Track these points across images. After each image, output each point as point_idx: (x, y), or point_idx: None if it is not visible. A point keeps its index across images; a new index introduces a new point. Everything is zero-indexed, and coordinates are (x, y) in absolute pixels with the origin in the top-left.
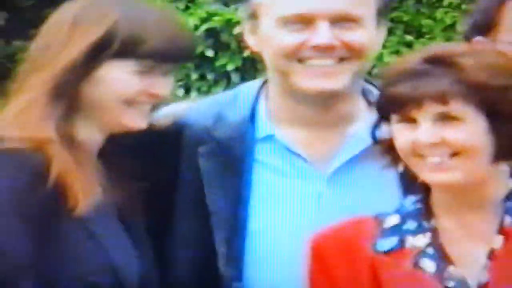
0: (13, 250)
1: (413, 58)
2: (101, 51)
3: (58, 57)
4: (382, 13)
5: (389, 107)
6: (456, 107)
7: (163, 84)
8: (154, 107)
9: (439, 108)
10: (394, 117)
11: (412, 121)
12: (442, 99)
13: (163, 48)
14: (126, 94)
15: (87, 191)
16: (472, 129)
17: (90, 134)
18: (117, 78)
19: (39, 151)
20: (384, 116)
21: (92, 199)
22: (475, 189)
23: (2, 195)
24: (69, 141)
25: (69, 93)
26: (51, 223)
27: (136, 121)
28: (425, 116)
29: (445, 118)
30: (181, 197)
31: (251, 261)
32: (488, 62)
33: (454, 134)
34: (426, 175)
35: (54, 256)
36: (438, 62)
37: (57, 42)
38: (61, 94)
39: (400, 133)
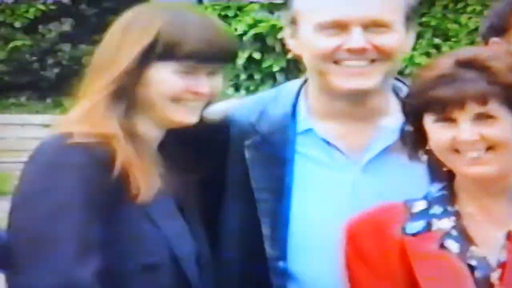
0: (79, 236)
1: (444, 62)
2: (149, 55)
3: (115, 62)
4: (410, 18)
5: (430, 108)
6: (493, 107)
7: (207, 84)
8: (207, 104)
9: (478, 109)
10: (431, 117)
11: (452, 120)
12: (482, 100)
13: (201, 50)
14: (171, 92)
15: (147, 180)
16: (506, 126)
17: (149, 129)
18: (163, 78)
19: (105, 145)
20: (417, 115)
21: (152, 188)
22: (500, 179)
23: (73, 185)
24: (131, 136)
25: (126, 94)
26: (115, 210)
27: (184, 116)
28: (466, 116)
29: (483, 117)
30: (230, 185)
31: (293, 243)
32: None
33: (491, 131)
34: (463, 169)
35: (117, 239)
36: (471, 66)
37: (114, 48)
38: (120, 95)
39: (439, 131)
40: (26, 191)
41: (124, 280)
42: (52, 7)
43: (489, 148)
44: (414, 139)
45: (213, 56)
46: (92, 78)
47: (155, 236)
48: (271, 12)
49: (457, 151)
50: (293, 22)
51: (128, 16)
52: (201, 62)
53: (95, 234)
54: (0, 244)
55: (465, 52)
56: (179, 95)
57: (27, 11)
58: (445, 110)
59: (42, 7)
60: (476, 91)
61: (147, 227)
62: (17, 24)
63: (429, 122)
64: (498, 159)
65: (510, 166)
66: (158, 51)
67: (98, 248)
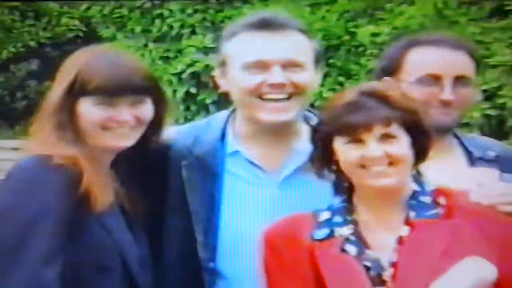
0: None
1: (350, 93)
2: (72, 92)
3: (51, 99)
4: (318, 60)
5: (341, 132)
6: (394, 128)
7: (129, 112)
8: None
9: (383, 130)
10: (341, 140)
11: (361, 141)
12: (386, 123)
13: (106, 85)
14: (96, 122)
15: (104, 195)
16: (404, 144)
17: (99, 152)
18: (86, 110)
19: (72, 166)
20: (325, 138)
21: (107, 201)
22: (397, 190)
23: (47, 199)
24: (88, 157)
25: (68, 125)
26: (78, 220)
27: (114, 142)
28: (372, 137)
29: (387, 137)
30: (170, 199)
31: (222, 247)
32: (403, 93)
33: (393, 148)
34: (369, 181)
35: (78, 246)
36: (373, 95)
37: (52, 88)
38: (62, 126)
39: (349, 151)
40: (4, 204)
41: (83, 281)
42: (22, 49)
43: (391, 163)
44: (322, 160)
45: (122, 89)
46: (42, 112)
47: (109, 242)
48: (206, 54)
49: (363, 166)
50: (223, 64)
51: (65, 60)
52: (115, 95)
53: (60, 242)
54: None
55: (367, 85)
56: (104, 123)
57: (1, 53)
58: (355, 133)
59: (13, 49)
60: (381, 116)
61: (103, 234)
62: None
63: (340, 144)
64: (398, 172)
65: (406, 179)
66: (77, 88)
67: (62, 254)
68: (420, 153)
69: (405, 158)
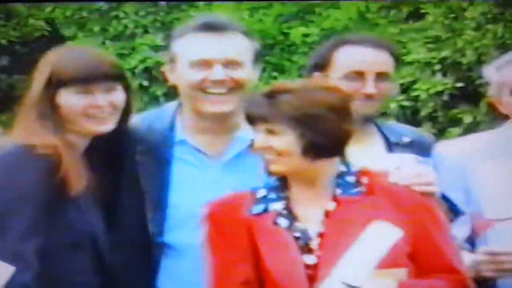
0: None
1: (264, 90)
2: (50, 84)
3: (31, 92)
4: (257, 58)
5: (248, 120)
6: (275, 125)
7: (105, 99)
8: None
9: (265, 126)
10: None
11: (255, 130)
12: (264, 120)
13: (79, 74)
14: (77, 109)
15: (79, 180)
16: (286, 139)
17: (76, 140)
18: (67, 100)
19: (51, 153)
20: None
21: (81, 185)
22: (306, 173)
23: (29, 184)
24: (66, 145)
25: (48, 115)
26: (56, 202)
27: (96, 127)
28: (258, 130)
29: (270, 132)
30: (127, 181)
31: (169, 223)
32: (302, 97)
33: (276, 142)
34: (266, 166)
35: (54, 225)
36: (270, 96)
37: (31, 83)
38: (42, 116)
39: (256, 140)
40: None
41: (58, 256)
42: None
43: (279, 154)
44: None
45: (94, 77)
46: (23, 105)
47: (81, 222)
48: (156, 51)
49: (260, 154)
50: (172, 60)
51: (41, 59)
52: (89, 83)
53: (37, 222)
54: None
55: (275, 85)
56: (84, 110)
57: None
58: (250, 124)
59: None
60: (262, 114)
61: (76, 215)
62: None
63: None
64: (283, 161)
65: (297, 166)
66: (54, 80)
67: (39, 232)
68: (310, 147)
69: (287, 151)
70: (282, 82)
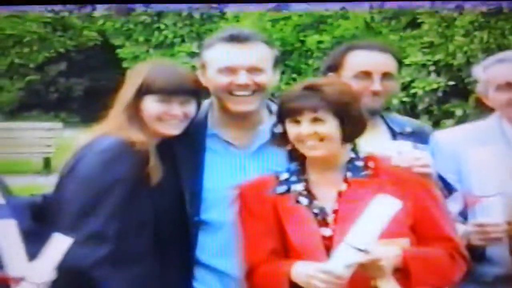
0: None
1: (297, 87)
2: (140, 92)
3: (123, 97)
4: (277, 64)
5: (286, 114)
6: (322, 114)
7: (179, 109)
8: (184, 122)
9: (312, 115)
10: (287, 120)
11: (298, 122)
12: (313, 109)
13: (165, 87)
14: (154, 114)
15: (158, 173)
16: (330, 126)
17: (150, 138)
18: (149, 105)
19: (142, 147)
20: (280, 120)
21: (159, 176)
22: (331, 158)
23: (120, 173)
24: (150, 141)
25: (135, 117)
26: (139, 191)
27: (168, 130)
28: (305, 119)
29: (316, 120)
30: (167, 168)
31: (206, 205)
32: (337, 88)
33: (321, 129)
34: (306, 151)
35: (133, 209)
36: (311, 89)
37: (124, 89)
38: (131, 118)
39: (292, 129)
40: (88, 173)
41: (129, 233)
42: (53, 54)
43: (321, 139)
44: (282, 136)
45: (176, 91)
46: (115, 107)
47: (150, 204)
48: (192, 58)
49: (302, 141)
50: (203, 67)
51: (134, 68)
52: (170, 94)
53: (124, 205)
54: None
55: (310, 81)
56: (160, 116)
57: (37, 58)
58: (293, 115)
59: (47, 54)
60: (310, 104)
61: (148, 199)
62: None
63: (288, 123)
64: (326, 146)
65: (335, 151)
66: (144, 88)
67: (124, 214)
68: (349, 132)
69: (330, 136)
70: (313, 79)
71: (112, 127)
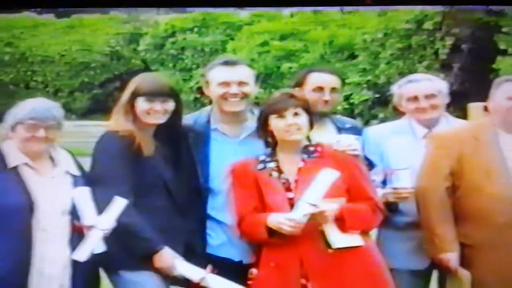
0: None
1: (278, 95)
2: (133, 95)
3: (123, 98)
4: (256, 80)
5: (273, 112)
6: (299, 110)
7: (160, 106)
8: (171, 115)
9: (294, 110)
10: (273, 117)
11: (283, 116)
12: (295, 107)
13: (149, 90)
14: (144, 110)
15: (147, 148)
16: (304, 119)
17: (146, 127)
18: (140, 104)
19: (130, 135)
20: (265, 116)
21: (150, 150)
22: (297, 144)
23: (111, 153)
24: (139, 130)
25: (130, 113)
26: (137, 161)
27: (153, 121)
28: (289, 114)
29: (296, 114)
30: (185, 151)
31: (211, 175)
32: (303, 94)
33: (299, 121)
34: (287, 137)
35: (137, 174)
36: (289, 95)
37: (123, 93)
38: (127, 113)
39: (278, 122)
40: (98, 156)
41: (141, 193)
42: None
43: (298, 129)
44: (262, 129)
45: (156, 93)
46: (117, 106)
47: (154, 171)
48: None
49: (287, 131)
50: (207, 83)
51: (132, 79)
52: (154, 96)
53: (127, 171)
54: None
55: (286, 90)
56: (147, 111)
57: (100, 78)
58: (281, 111)
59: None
60: (292, 104)
61: (151, 167)
62: None
63: (273, 119)
64: (302, 132)
65: (303, 137)
66: (135, 92)
67: (130, 177)
68: (311, 124)
69: (304, 126)
70: (288, 89)
71: (113, 121)
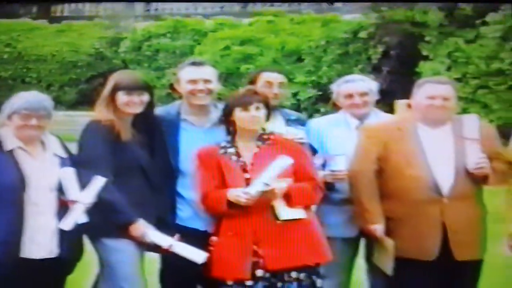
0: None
1: (243, 91)
2: (114, 89)
3: (104, 93)
4: (219, 78)
5: (238, 105)
6: (260, 105)
7: (137, 99)
8: (146, 106)
9: (257, 105)
10: (238, 109)
11: (247, 109)
12: (258, 101)
13: (126, 85)
14: (123, 102)
15: (125, 133)
16: (263, 112)
17: (124, 116)
18: (120, 97)
19: (111, 123)
20: (229, 110)
21: (127, 136)
22: (254, 133)
23: (98, 141)
24: (118, 119)
25: (112, 105)
26: (116, 145)
27: (132, 111)
28: (252, 108)
29: (258, 108)
30: (159, 138)
31: (181, 158)
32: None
33: (260, 114)
34: (250, 126)
35: (117, 158)
36: (254, 92)
37: (104, 88)
38: (108, 105)
39: (243, 114)
40: (84, 142)
41: (121, 174)
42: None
43: (258, 120)
44: (225, 120)
45: (134, 87)
46: (100, 99)
47: (132, 155)
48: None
49: (251, 121)
50: (177, 80)
51: (111, 75)
52: (131, 90)
53: (107, 153)
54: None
55: (248, 88)
56: (127, 103)
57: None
58: (246, 105)
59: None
60: (256, 99)
61: (129, 151)
62: None
63: (238, 111)
64: (260, 123)
65: (261, 127)
66: (115, 87)
67: (110, 158)
68: (268, 116)
69: (263, 117)
70: (252, 87)
71: (96, 111)
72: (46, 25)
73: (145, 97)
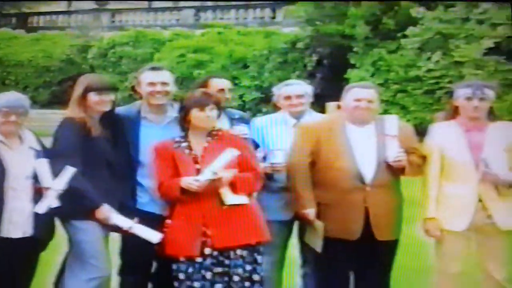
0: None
1: (200, 93)
2: (85, 91)
3: (75, 93)
4: (174, 81)
5: (195, 105)
6: (214, 106)
7: (106, 98)
8: (110, 104)
9: (212, 106)
10: (195, 110)
11: (203, 110)
12: (214, 103)
13: (96, 87)
14: (94, 101)
15: (95, 129)
16: (216, 112)
17: (94, 114)
18: (91, 97)
19: (83, 121)
20: (187, 109)
21: (97, 132)
22: (207, 130)
23: (69, 139)
24: (89, 117)
25: (83, 105)
26: (84, 140)
27: (102, 108)
28: (208, 108)
29: (212, 108)
30: (121, 134)
31: (141, 152)
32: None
33: (214, 113)
34: (206, 125)
35: (84, 152)
36: (209, 95)
37: (75, 90)
38: (80, 105)
39: (199, 114)
40: (58, 138)
41: (89, 167)
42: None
43: (213, 119)
44: (182, 119)
45: (103, 88)
46: (72, 99)
47: (98, 150)
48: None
49: (206, 121)
50: (138, 83)
51: (81, 78)
52: (101, 91)
53: (77, 148)
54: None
55: (204, 91)
56: (97, 102)
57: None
58: (202, 106)
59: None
60: (212, 101)
61: (96, 146)
62: None
63: (195, 111)
64: (214, 121)
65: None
66: (87, 89)
67: (79, 153)
68: (219, 116)
69: (216, 118)
70: (207, 90)
71: (69, 110)
72: (24, 35)
73: (112, 97)
